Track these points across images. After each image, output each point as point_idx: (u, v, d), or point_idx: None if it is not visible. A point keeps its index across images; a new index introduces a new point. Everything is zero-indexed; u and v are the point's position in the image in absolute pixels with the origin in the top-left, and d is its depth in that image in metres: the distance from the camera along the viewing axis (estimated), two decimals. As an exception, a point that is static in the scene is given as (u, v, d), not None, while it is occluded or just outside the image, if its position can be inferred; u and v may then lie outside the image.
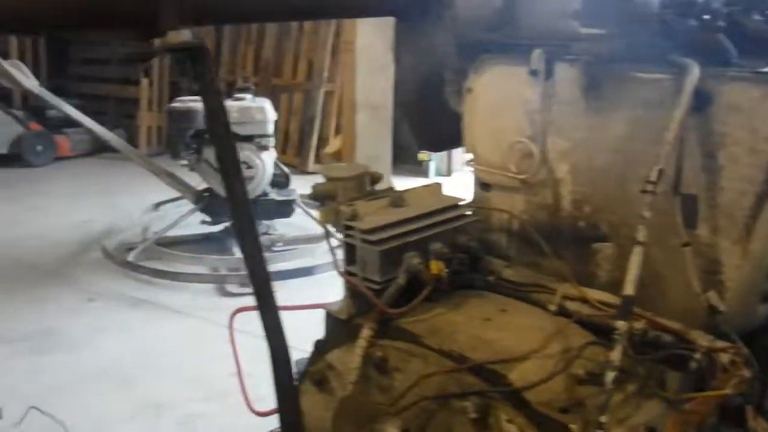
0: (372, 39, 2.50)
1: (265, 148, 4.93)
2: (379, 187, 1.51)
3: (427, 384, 1.19)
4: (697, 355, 1.15)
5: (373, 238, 1.31)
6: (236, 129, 4.41)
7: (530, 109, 1.43)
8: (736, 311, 1.23)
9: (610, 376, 1.06)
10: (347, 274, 1.37)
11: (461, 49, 1.56)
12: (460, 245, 1.40)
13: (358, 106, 2.44)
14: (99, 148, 7.96)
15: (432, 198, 1.48)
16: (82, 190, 6.99)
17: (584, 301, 1.30)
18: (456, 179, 6.85)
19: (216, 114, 1.36)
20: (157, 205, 6.02)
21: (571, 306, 1.30)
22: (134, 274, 4.67)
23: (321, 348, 1.43)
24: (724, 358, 1.14)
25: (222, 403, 3.11)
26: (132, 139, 7.79)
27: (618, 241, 1.36)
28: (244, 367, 1.69)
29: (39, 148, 7.83)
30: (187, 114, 4.97)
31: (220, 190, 4.98)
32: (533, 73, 1.40)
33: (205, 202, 5.10)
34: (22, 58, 7.84)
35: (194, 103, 5.04)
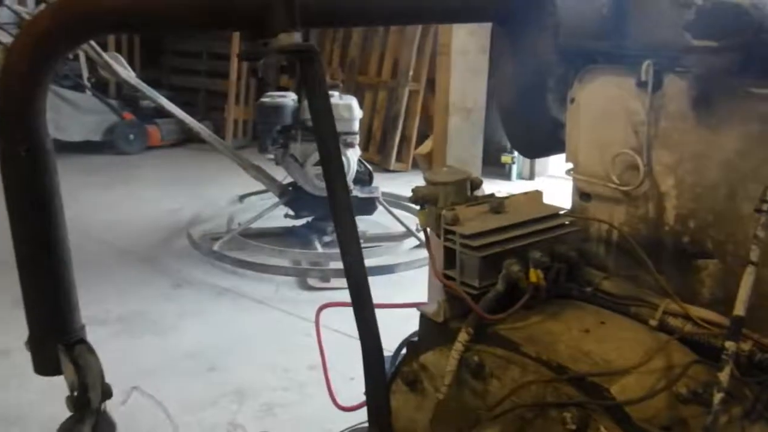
0: (466, 42, 2.50)
1: (350, 145, 5.00)
2: (478, 193, 1.52)
3: (525, 392, 1.20)
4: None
5: (474, 243, 1.32)
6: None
7: (636, 120, 1.41)
8: None
9: (717, 397, 1.04)
10: (445, 278, 1.39)
11: (564, 57, 1.55)
12: (559, 254, 1.39)
13: (451, 109, 2.46)
14: (187, 139, 8.25)
15: (532, 206, 1.48)
16: (171, 179, 7.24)
17: (686, 317, 1.27)
18: (539, 184, 6.77)
19: (323, 116, 1.39)
20: (243, 197, 6.18)
21: (673, 322, 1.28)
22: (219, 263, 4.82)
23: (415, 349, 1.45)
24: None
25: (301, 394, 3.20)
26: (219, 132, 8.03)
27: (723, 259, 1.33)
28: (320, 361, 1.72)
29: (131, 136, 8.16)
30: (276, 109, 5.09)
31: (305, 184, 5.08)
32: (641, 84, 1.38)
33: (289, 196, 5.21)
34: (118, 50, 8.20)
35: (283, 99, 5.16)
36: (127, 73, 5.85)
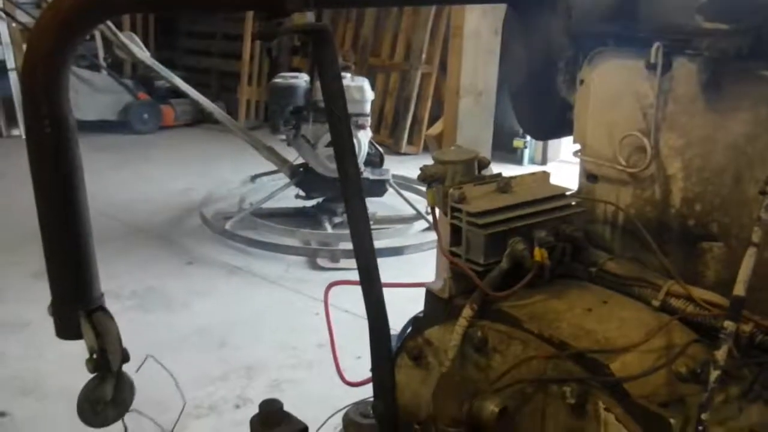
0: (479, 24, 2.50)
1: (362, 127, 5.00)
2: (485, 172, 1.53)
3: (526, 367, 1.22)
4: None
5: (479, 221, 1.34)
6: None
7: (645, 103, 1.42)
8: None
9: (713, 374, 1.06)
10: (451, 255, 1.40)
11: (575, 39, 1.55)
12: (565, 234, 1.41)
13: (462, 91, 2.46)
14: (200, 119, 8.28)
15: (539, 186, 1.49)
16: (184, 158, 7.28)
17: (689, 299, 1.29)
18: (550, 168, 6.76)
19: (335, 97, 1.41)
20: (254, 177, 6.21)
21: (676, 303, 1.30)
22: (230, 242, 4.86)
23: (420, 324, 1.47)
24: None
25: (309, 371, 3.24)
26: (231, 112, 8.05)
27: (728, 242, 1.34)
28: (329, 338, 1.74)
29: (145, 116, 8.20)
30: (288, 90, 5.10)
31: (316, 165, 5.10)
32: (650, 66, 1.39)
33: (300, 176, 5.23)
34: (133, 31, 8.21)
35: (295, 79, 5.17)
36: (143, 54, 5.88)
